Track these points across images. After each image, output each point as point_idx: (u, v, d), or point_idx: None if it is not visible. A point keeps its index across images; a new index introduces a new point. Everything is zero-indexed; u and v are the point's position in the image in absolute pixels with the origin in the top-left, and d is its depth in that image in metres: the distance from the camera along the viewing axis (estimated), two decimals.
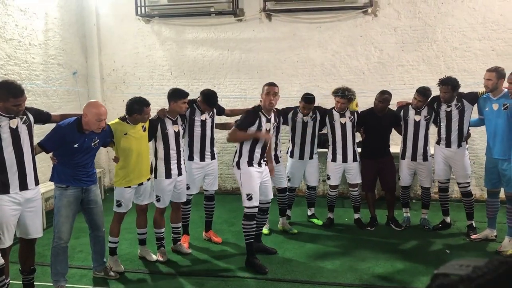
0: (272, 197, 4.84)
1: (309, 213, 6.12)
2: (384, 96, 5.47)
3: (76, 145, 3.94)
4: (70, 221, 4.03)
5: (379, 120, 5.55)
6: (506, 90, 4.69)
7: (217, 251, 5.09)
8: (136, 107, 4.39)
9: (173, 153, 4.77)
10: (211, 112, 5.13)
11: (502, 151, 4.74)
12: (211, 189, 5.32)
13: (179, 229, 5.11)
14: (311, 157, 5.74)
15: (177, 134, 4.78)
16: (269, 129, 4.61)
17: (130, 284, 4.36)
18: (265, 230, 5.61)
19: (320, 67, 7.09)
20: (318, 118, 5.69)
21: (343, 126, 5.58)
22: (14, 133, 3.60)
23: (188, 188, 5.08)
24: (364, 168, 5.73)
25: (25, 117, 3.71)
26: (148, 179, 4.69)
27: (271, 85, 4.60)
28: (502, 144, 4.73)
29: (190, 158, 5.07)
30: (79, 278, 4.45)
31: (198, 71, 7.45)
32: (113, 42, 7.67)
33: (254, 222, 4.59)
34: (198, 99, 5.08)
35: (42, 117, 3.95)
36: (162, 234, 4.93)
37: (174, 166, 4.79)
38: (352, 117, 5.54)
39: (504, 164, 4.71)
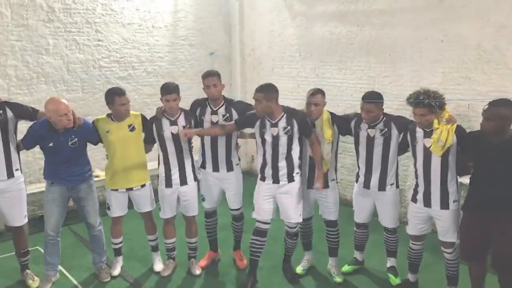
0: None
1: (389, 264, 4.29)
2: None
3: (51, 144, 3.85)
4: (56, 217, 4.00)
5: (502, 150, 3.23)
6: None
7: (222, 284, 4.22)
8: (108, 97, 3.95)
9: (172, 158, 4.09)
10: (228, 114, 4.12)
11: None
12: (232, 207, 4.39)
13: (194, 244, 4.43)
14: (381, 188, 3.92)
15: (175, 137, 4.04)
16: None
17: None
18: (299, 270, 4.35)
19: (475, 50, 4.64)
20: (394, 134, 3.79)
21: (427, 152, 3.53)
22: None
23: (203, 199, 4.35)
24: (465, 225, 3.54)
25: (0, 111, 3.80)
26: (143, 185, 4.19)
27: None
28: None
29: (203, 166, 4.29)
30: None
31: (325, 51, 6.11)
32: (252, 19, 7.13)
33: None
34: None
35: (26, 113, 3.96)
36: (170, 245, 4.41)
37: (175, 174, 4.12)
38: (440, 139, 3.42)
39: None
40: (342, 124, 4.03)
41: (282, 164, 3.86)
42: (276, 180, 3.90)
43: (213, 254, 4.60)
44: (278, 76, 6.81)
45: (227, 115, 4.10)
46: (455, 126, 3.42)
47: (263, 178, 3.98)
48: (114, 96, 3.92)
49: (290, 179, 3.89)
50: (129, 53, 6.30)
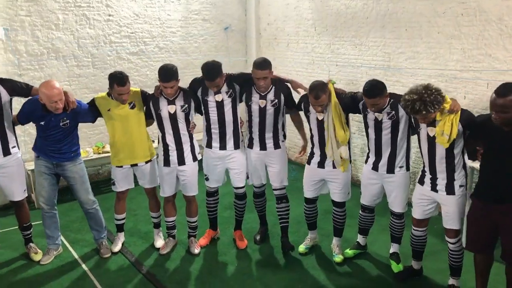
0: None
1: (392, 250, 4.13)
2: None
3: (42, 123, 3.87)
4: (46, 189, 4.04)
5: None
6: None
7: (221, 264, 4.19)
8: (109, 81, 3.89)
9: (170, 138, 4.04)
10: (231, 90, 3.99)
11: None
12: (235, 185, 4.33)
13: (194, 224, 4.41)
14: (390, 171, 3.77)
15: (172, 116, 3.97)
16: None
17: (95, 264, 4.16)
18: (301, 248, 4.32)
19: (497, 25, 4.29)
20: (403, 116, 3.59)
21: (431, 140, 3.34)
22: None
23: (207, 179, 4.30)
24: (473, 214, 3.34)
25: None
26: (148, 161, 4.18)
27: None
28: None
29: (208, 145, 4.19)
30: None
31: (340, 26, 5.83)
32: None
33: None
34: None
35: (19, 90, 3.94)
36: (170, 223, 4.41)
37: (173, 153, 4.07)
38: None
39: None
40: (349, 103, 3.82)
41: (269, 133, 4.08)
42: (263, 147, 4.12)
43: (212, 232, 4.57)
44: (293, 51, 6.61)
45: (230, 91, 4.00)
46: (459, 115, 3.19)
47: (251, 146, 4.19)
48: (114, 83, 3.84)
49: (276, 146, 4.12)
50: (141, 28, 6.22)
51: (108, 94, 4.02)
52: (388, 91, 3.61)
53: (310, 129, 3.98)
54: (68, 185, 4.16)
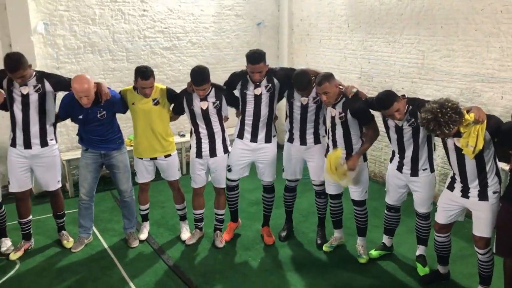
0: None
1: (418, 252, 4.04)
2: None
3: (81, 117, 4.00)
4: (88, 182, 4.20)
5: None
6: None
7: (245, 260, 4.21)
8: (135, 74, 3.98)
9: (202, 131, 4.13)
10: (270, 85, 4.02)
11: None
12: (264, 179, 4.36)
13: (221, 216, 4.47)
14: (414, 174, 3.70)
15: (205, 112, 4.04)
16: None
17: (122, 253, 4.27)
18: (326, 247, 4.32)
19: None
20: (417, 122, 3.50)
21: (458, 150, 3.24)
22: (24, 98, 3.91)
23: (229, 170, 4.31)
24: (502, 218, 3.23)
25: (39, 85, 3.93)
26: (167, 156, 4.26)
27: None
28: None
29: (240, 135, 4.23)
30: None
31: (374, 23, 5.72)
32: None
33: None
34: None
35: (63, 84, 4.04)
36: (198, 216, 4.49)
37: (205, 146, 4.15)
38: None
39: None
40: (363, 107, 3.75)
41: (310, 129, 4.11)
42: (303, 142, 4.14)
43: (234, 224, 4.62)
44: (325, 48, 6.54)
45: (270, 85, 4.04)
46: (484, 125, 3.07)
47: (291, 140, 4.23)
48: (138, 76, 3.94)
49: (317, 141, 4.14)
50: (174, 23, 6.31)
51: (134, 88, 4.12)
52: (406, 97, 3.57)
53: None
54: (110, 173, 4.29)
